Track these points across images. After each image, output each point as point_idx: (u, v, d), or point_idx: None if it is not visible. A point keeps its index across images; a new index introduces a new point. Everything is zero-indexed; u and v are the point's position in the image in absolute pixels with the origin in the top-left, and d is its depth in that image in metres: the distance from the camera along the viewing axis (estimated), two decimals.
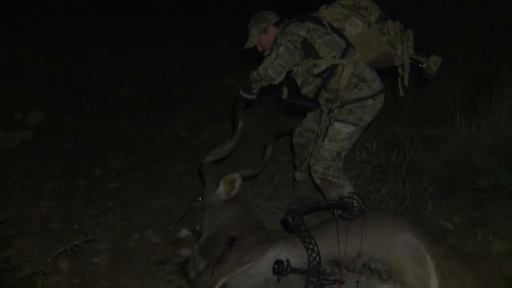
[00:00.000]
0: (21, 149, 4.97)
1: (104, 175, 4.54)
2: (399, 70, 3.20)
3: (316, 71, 3.13)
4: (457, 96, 4.77)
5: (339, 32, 3.12)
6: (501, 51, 5.39)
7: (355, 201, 2.34)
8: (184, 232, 3.22)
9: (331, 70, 3.11)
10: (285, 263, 2.23)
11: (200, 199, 3.18)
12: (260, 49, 3.41)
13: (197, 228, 3.11)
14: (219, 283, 2.59)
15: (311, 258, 2.21)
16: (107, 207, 3.95)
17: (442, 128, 4.58)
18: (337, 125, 3.10)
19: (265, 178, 4.25)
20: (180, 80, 7.23)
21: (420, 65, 3.12)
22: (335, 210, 3.04)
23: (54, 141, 5.22)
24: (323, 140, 3.13)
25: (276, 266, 2.21)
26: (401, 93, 3.20)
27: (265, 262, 2.50)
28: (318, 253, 2.22)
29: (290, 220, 2.23)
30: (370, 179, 3.49)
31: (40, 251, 3.14)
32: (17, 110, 5.66)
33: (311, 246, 2.22)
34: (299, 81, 3.27)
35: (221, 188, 3.05)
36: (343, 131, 3.10)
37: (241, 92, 3.24)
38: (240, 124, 3.15)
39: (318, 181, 3.17)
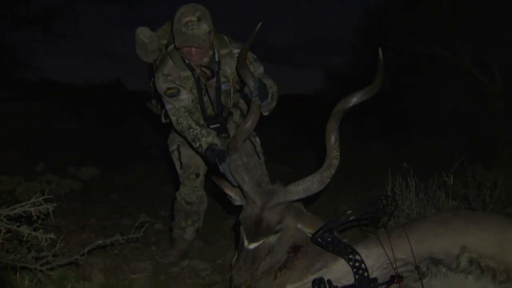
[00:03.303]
0: (69, 196, 4.84)
1: (151, 219, 4.24)
2: None
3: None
4: None
5: None
6: None
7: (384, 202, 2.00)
8: None
9: None
10: (327, 285, 1.90)
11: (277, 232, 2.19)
12: (195, 54, 2.76)
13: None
14: None
15: (354, 270, 1.91)
16: (151, 241, 3.61)
17: None
18: (258, 138, 3.22)
19: None
20: None
21: None
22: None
23: (103, 193, 5.09)
24: (259, 158, 3.20)
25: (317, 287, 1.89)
26: None
27: (341, 267, 2.08)
28: (361, 261, 1.92)
29: (320, 240, 1.97)
30: None
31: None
32: (71, 164, 5.68)
33: (351, 256, 1.93)
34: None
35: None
36: None
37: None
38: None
39: None
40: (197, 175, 3.11)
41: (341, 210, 4.74)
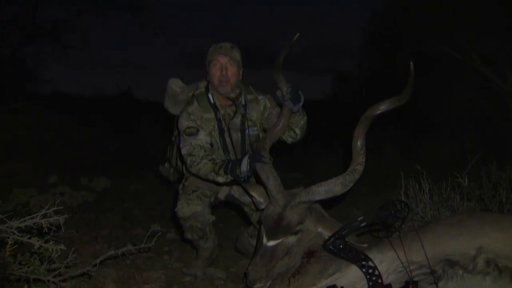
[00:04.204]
0: (82, 207, 4.86)
1: (163, 228, 4.24)
2: None
3: None
4: None
5: None
6: None
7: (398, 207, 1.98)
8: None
9: None
10: None
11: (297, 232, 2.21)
12: (229, 78, 2.89)
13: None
14: None
15: (368, 277, 1.91)
16: (163, 251, 3.60)
17: None
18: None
19: None
20: None
21: None
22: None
23: (116, 203, 5.11)
24: None
25: None
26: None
27: (355, 271, 2.05)
28: (374, 267, 1.91)
29: (332, 248, 1.97)
30: None
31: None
32: (83, 175, 5.72)
33: (364, 263, 1.93)
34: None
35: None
36: None
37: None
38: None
39: None
40: (194, 191, 2.98)
41: (354, 215, 4.70)
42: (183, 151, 2.86)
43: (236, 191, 3.08)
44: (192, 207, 2.90)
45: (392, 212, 1.94)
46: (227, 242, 3.84)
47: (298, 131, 2.90)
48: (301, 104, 2.67)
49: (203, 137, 2.88)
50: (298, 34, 2.55)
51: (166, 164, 3.43)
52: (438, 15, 7.30)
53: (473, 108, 7.17)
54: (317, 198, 2.15)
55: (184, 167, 3.10)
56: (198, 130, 2.88)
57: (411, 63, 2.17)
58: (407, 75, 2.17)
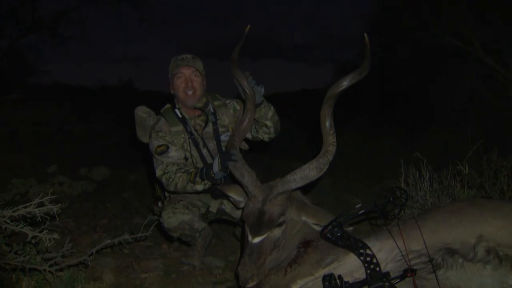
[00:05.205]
0: (81, 197, 4.85)
1: None
2: None
3: None
4: None
5: None
6: None
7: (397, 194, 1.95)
8: None
9: None
10: (338, 280, 1.84)
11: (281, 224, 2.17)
12: (195, 89, 2.88)
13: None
14: (295, 286, 2.09)
15: (366, 265, 1.85)
16: (162, 240, 3.58)
17: None
18: None
19: None
20: None
21: None
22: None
23: (115, 193, 5.09)
24: None
25: (327, 283, 1.83)
26: None
27: (353, 260, 2.02)
28: (372, 255, 1.86)
29: (329, 236, 1.91)
30: None
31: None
32: (83, 165, 5.71)
33: (362, 251, 1.88)
34: None
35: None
36: None
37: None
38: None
39: None
40: (180, 201, 2.93)
41: (354, 203, 4.68)
42: (157, 173, 2.82)
43: (227, 206, 3.01)
44: (179, 216, 2.83)
45: (391, 199, 1.91)
46: (226, 233, 3.82)
47: (269, 123, 2.80)
48: (261, 94, 2.61)
49: (174, 153, 2.84)
50: (249, 26, 2.47)
51: (160, 204, 3.24)
52: (440, 4, 7.24)
53: (475, 97, 7.11)
54: (294, 186, 2.10)
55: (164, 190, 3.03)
56: (168, 147, 2.84)
57: (365, 34, 2.11)
58: (364, 48, 2.12)
